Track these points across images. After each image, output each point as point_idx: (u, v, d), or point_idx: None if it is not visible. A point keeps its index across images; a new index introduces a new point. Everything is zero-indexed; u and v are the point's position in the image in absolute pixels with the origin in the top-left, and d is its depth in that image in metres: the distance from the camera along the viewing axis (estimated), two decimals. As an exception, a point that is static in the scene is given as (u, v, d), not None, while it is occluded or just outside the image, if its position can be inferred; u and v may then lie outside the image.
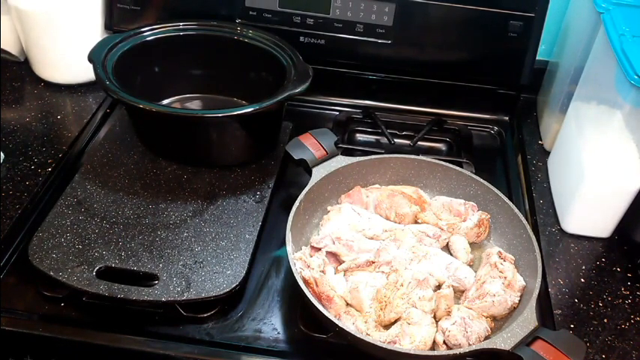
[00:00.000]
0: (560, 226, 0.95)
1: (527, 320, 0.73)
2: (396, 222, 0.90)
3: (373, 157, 0.96)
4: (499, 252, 0.84)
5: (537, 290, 0.77)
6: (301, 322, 0.80)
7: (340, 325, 0.72)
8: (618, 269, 0.89)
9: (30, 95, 1.13)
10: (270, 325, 0.80)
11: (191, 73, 1.12)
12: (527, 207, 1.00)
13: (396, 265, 0.82)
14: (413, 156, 0.97)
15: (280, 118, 1.04)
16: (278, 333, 0.80)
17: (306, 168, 0.92)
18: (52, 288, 0.80)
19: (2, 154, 0.97)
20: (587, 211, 0.91)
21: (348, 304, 0.80)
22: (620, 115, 0.86)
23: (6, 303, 0.80)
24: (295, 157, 0.93)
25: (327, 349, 0.79)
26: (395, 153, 0.98)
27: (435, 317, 0.78)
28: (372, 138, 1.15)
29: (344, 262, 0.84)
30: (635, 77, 0.76)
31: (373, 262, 0.83)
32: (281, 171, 1.01)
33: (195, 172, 0.98)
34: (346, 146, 1.09)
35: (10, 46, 1.17)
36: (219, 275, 0.81)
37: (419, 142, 1.12)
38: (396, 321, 0.77)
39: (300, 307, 0.82)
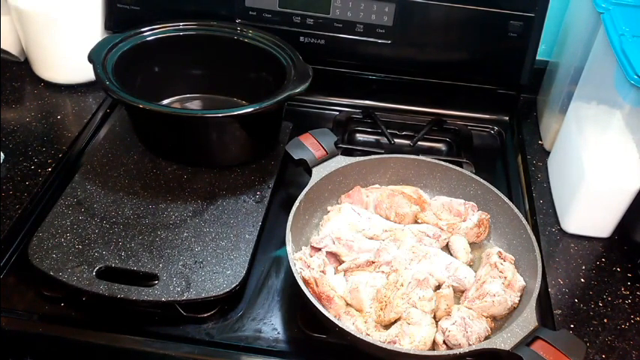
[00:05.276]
0: (560, 226, 0.95)
1: (527, 320, 0.73)
2: (396, 222, 0.90)
3: (373, 157, 0.96)
4: (499, 252, 0.84)
5: (537, 290, 0.77)
6: (301, 322, 0.80)
7: (340, 325, 0.72)
8: (618, 269, 0.89)
9: (30, 95, 1.13)
10: (270, 325, 0.80)
11: (191, 73, 1.12)
12: (527, 207, 1.00)
13: (396, 265, 0.82)
14: (413, 156, 0.97)
15: (280, 118, 1.04)
16: (278, 333, 0.80)
17: (306, 168, 0.92)
18: (52, 288, 0.80)
19: (2, 154, 0.97)
20: (587, 211, 0.91)
21: (348, 304, 0.80)
22: (620, 115, 0.86)
23: (6, 303, 0.80)
24: (295, 157, 0.93)
25: (327, 349, 0.79)
26: (395, 153, 0.98)
27: (435, 317, 0.78)
28: (372, 138, 1.15)
29: (344, 262, 0.84)
30: (635, 77, 0.76)
31: (373, 262, 0.83)
32: (281, 171, 1.01)
33: (195, 172, 0.98)
34: (346, 146, 1.09)
35: (10, 46, 1.17)
36: (219, 275, 0.81)
37: (419, 142, 1.12)
38: (396, 321, 0.77)
39: (300, 307, 0.82)
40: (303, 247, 0.85)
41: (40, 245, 0.83)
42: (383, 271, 0.81)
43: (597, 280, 0.87)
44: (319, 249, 0.84)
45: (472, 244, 0.89)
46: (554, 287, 0.85)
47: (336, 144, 0.96)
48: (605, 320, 0.81)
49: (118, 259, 0.82)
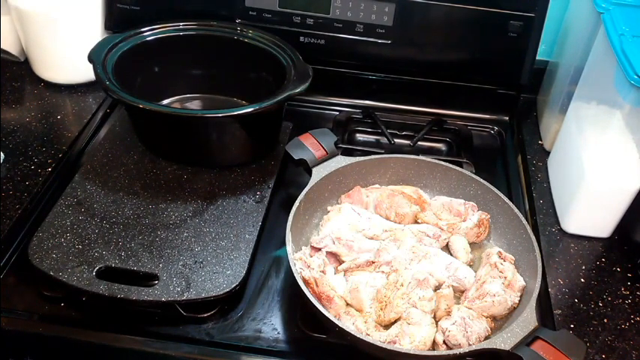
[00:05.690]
0: (560, 226, 0.95)
1: (527, 320, 0.73)
2: (396, 222, 0.90)
3: (373, 157, 0.96)
4: (499, 252, 0.84)
5: (537, 290, 0.77)
6: (301, 322, 0.80)
7: (340, 325, 0.72)
8: (618, 269, 0.89)
9: (30, 95, 1.13)
10: (270, 325, 0.80)
11: (191, 73, 1.12)
12: (527, 207, 1.00)
13: (396, 265, 0.82)
14: (413, 156, 0.97)
15: (280, 118, 1.04)
16: (278, 333, 0.80)
17: (306, 168, 0.92)
18: (52, 288, 0.80)
19: (2, 154, 0.97)
20: (587, 211, 0.91)
21: (348, 304, 0.80)
22: (620, 115, 0.86)
23: (6, 303, 0.80)
24: (295, 157, 0.93)
25: (327, 349, 0.79)
26: (395, 153, 0.98)
27: (435, 317, 0.78)
28: (372, 138, 1.15)
29: (344, 262, 0.84)
30: (635, 77, 0.76)
31: (373, 262, 0.83)
32: (281, 171, 1.01)
33: (195, 172, 0.98)
34: (346, 146, 1.09)
35: (10, 46, 1.17)
36: (219, 275, 0.81)
37: (419, 142, 1.12)
38: (396, 321, 0.77)
39: (300, 307, 0.82)
40: (303, 247, 0.85)
41: (40, 245, 0.83)
42: (383, 271, 0.81)
43: (597, 280, 0.87)
44: (319, 249, 0.84)
45: (472, 244, 0.89)
46: (554, 287, 0.85)
47: (336, 144, 0.96)
48: (605, 320, 0.81)
49: (118, 259, 0.82)
